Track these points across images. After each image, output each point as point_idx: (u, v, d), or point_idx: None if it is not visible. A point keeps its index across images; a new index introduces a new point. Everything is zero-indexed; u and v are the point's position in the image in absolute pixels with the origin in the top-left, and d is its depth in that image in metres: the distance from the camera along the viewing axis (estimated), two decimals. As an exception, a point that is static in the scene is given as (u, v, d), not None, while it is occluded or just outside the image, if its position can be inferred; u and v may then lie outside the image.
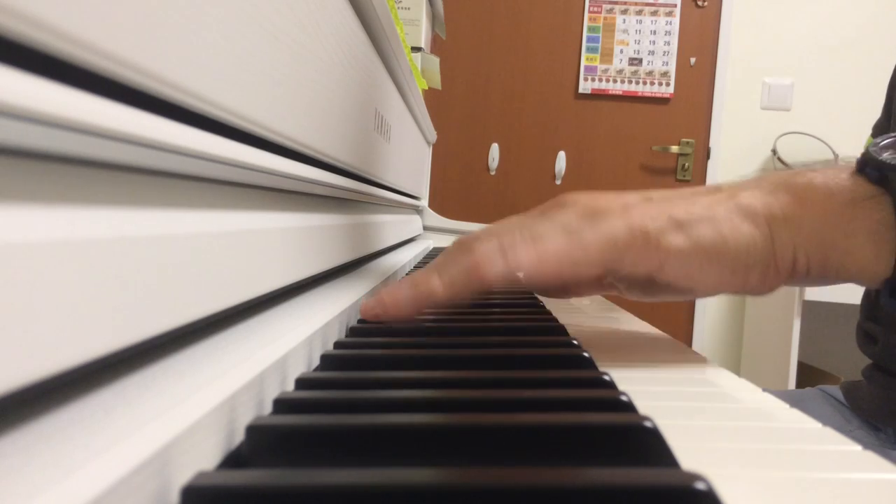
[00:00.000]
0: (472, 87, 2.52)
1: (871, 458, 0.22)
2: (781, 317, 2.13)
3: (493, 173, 2.54)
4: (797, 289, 2.02)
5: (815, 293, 1.99)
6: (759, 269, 0.33)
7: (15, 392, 0.15)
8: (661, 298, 0.38)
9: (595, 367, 0.31)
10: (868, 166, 0.32)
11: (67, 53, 0.16)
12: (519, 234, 0.34)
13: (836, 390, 0.74)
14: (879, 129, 0.79)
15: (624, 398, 0.24)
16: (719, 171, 2.51)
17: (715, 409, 0.29)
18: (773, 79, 2.52)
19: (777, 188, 0.34)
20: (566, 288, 0.41)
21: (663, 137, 2.50)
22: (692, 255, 0.33)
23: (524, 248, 0.33)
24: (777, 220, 0.32)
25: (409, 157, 1.05)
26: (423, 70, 1.37)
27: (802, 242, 0.32)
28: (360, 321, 0.42)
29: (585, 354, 0.32)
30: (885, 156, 0.32)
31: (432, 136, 1.51)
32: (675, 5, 2.47)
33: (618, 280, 0.38)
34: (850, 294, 1.78)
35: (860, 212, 0.32)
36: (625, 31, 2.48)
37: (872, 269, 0.32)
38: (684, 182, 2.50)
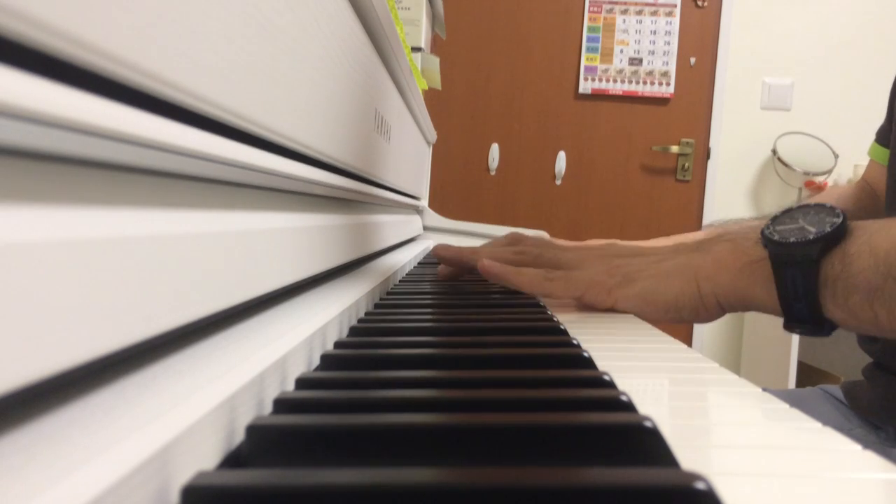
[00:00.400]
0: (472, 87, 2.52)
1: (871, 458, 0.22)
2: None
3: (493, 173, 2.54)
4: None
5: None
6: (689, 309, 0.48)
7: (15, 392, 0.15)
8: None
9: (595, 367, 0.31)
10: (762, 235, 0.45)
11: (67, 53, 0.16)
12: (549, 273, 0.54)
13: (836, 390, 0.74)
14: (882, 134, 0.80)
15: (624, 398, 0.24)
16: (719, 171, 2.51)
17: (715, 409, 0.29)
18: (773, 79, 2.52)
19: (706, 251, 0.48)
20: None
21: (663, 137, 2.50)
22: (633, 299, 0.50)
23: (555, 283, 0.53)
24: (701, 277, 0.48)
25: (409, 157, 1.05)
26: (423, 70, 1.37)
27: (720, 292, 0.47)
28: (360, 320, 0.42)
29: (585, 354, 0.32)
30: (775, 229, 0.44)
31: (432, 136, 1.51)
32: (675, 5, 2.47)
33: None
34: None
35: (757, 269, 0.45)
36: (625, 31, 2.48)
37: (771, 309, 0.45)
38: (684, 182, 2.50)
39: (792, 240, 0.42)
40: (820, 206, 0.44)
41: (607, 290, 0.51)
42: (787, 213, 0.45)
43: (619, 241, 0.59)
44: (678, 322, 0.50)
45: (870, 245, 0.41)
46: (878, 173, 0.82)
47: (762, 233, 0.44)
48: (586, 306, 0.53)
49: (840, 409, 0.72)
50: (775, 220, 0.45)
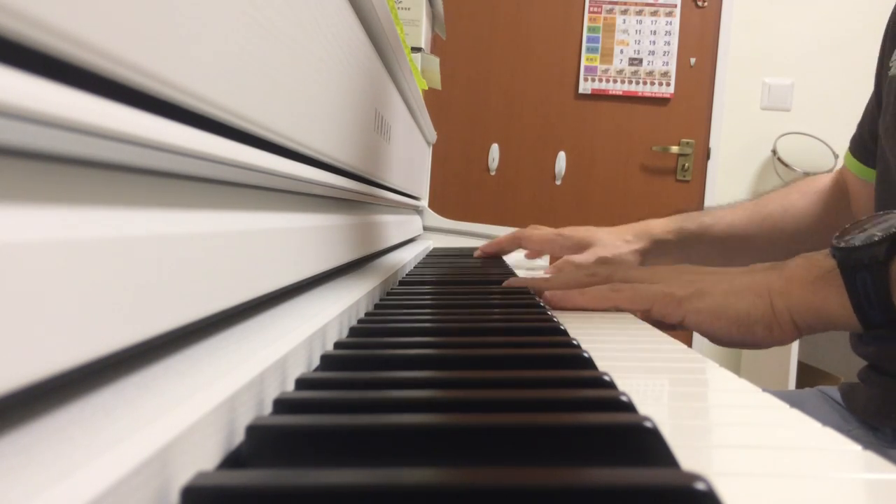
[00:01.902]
0: (472, 87, 2.52)
1: (871, 458, 0.22)
2: (781, 317, 2.13)
3: (493, 173, 2.54)
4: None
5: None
6: (761, 325, 0.47)
7: (15, 392, 0.15)
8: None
9: (595, 367, 0.31)
10: (831, 246, 0.45)
11: (67, 53, 0.16)
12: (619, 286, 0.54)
13: (834, 391, 0.74)
14: (856, 145, 0.81)
15: (624, 398, 0.24)
16: (719, 171, 2.51)
17: (715, 410, 0.29)
18: (773, 79, 2.52)
19: (780, 269, 0.48)
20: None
21: (663, 137, 2.50)
22: (703, 313, 0.48)
23: (621, 293, 0.53)
24: (774, 293, 0.47)
25: (409, 158, 1.05)
26: (423, 70, 1.37)
27: (794, 308, 0.46)
28: (360, 320, 0.42)
29: (585, 354, 0.32)
30: (844, 238, 0.45)
31: (432, 136, 1.51)
32: (675, 5, 2.47)
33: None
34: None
35: (828, 280, 0.45)
36: (625, 31, 2.48)
37: (848, 321, 0.44)
38: (684, 182, 2.50)
39: (858, 244, 0.42)
40: (889, 213, 0.44)
41: (677, 302, 0.49)
42: (857, 224, 0.45)
43: (687, 266, 0.58)
44: (751, 342, 0.48)
45: None
46: (850, 176, 0.83)
47: (831, 243, 0.45)
48: (653, 320, 0.51)
49: (838, 411, 0.72)
50: (845, 231, 0.45)
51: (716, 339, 0.49)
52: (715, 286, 0.49)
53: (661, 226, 0.87)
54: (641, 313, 0.52)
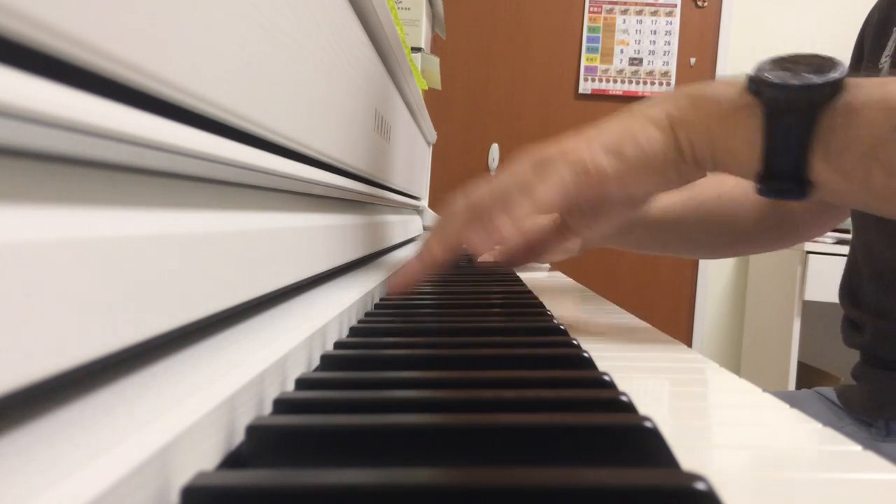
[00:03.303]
0: (472, 87, 2.52)
1: (871, 458, 0.22)
2: (781, 317, 2.13)
3: (492, 173, 2.54)
4: (797, 289, 2.02)
5: (815, 293, 1.99)
6: (673, 164, 0.41)
7: (15, 392, 0.15)
8: (607, 219, 0.47)
9: (595, 367, 0.31)
10: (751, 80, 0.39)
11: (67, 53, 0.16)
12: (493, 205, 0.41)
13: (830, 392, 0.75)
14: None
15: (624, 398, 0.24)
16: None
17: (715, 410, 0.29)
18: (773, 79, 2.51)
19: (679, 97, 0.41)
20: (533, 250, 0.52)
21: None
22: (626, 172, 0.41)
23: (501, 221, 0.41)
24: (675, 121, 0.40)
25: (408, 158, 1.05)
26: (423, 70, 1.37)
27: (696, 138, 0.40)
28: (360, 320, 0.42)
29: (585, 354, 0.32)
30: (766, 74, 0.38)
31: (432, 136, 1.51)
32: (675, 5, 2.47)
33: (572, 216, 0.48)
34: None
35: (739, 118, 0.39)
36: (625, 31, 2.48)
37: (748, 166, 0.39)
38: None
39: (795, 83, 0.37)
40: (814, 55, 0.39)
41: (598, 174, 0.41)
42: (775, 59, 0.39)
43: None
44: (666, 190, 0.43)
45: (883, 95, 0.36)
46: None
47: (751, 78, 0.39)
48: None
49: (833, 410, 0.73)
50: (759, 66, 0.39)
51: (636, 198, 0.44)
52: (620, 134, 0.42)
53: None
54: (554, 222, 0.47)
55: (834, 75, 0.37)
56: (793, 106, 0.37)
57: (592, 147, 0.41)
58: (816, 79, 0.37)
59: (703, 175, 0.42)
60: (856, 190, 0.38)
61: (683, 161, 0.41)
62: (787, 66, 0.38)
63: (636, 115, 0.42)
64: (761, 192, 0.39)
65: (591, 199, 0.44)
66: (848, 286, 0.72)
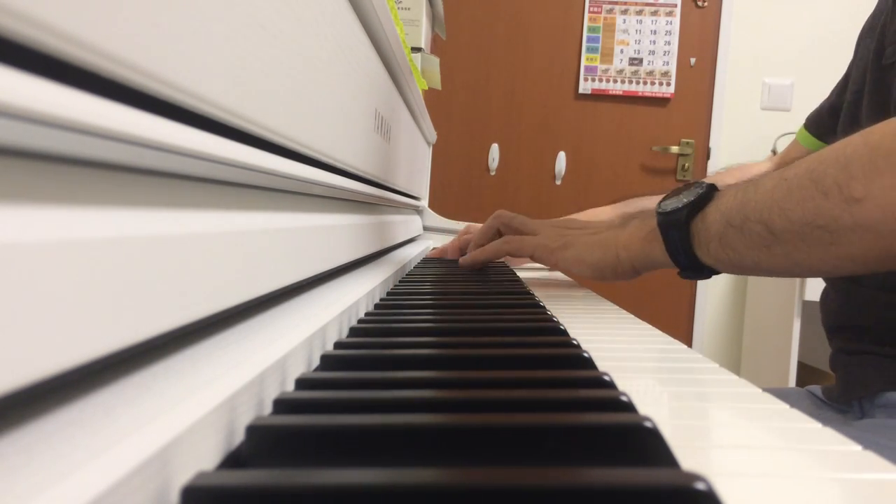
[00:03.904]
0: (472, 87, 2.52)
1: (872, 458, 0.22)
2: (781, 317, 2.13)
3: (493, 173, 2.54)
4: (797, 289, 2.02)
5: (816, 293, 1.99)
6: (609, 270, 0.64)
7: (15, 392, 0.15)
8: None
9: (595, 367, 0.31)
10: (656, 211, 0.59)
11: (67, 53, 0.16)
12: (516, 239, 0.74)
13: (817, 388, 0.81)
14: (812, 122, 0.92)
15: (624, 398, 0.24)
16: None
17: (715, 410, 0.29)
18: (773, 79, 2.52)
19: (625, 227, 0.64)
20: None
21: (663, 137, 2.50)
22: (569, 261, 0.66)
23: (510, 245, 0.73)
24: (619, 246, 0.63)
25: (409, 158, 1.05)
26: (423, 70, 1.37)
27: (633, 257, 0.62)
28: (360, 320, 0.42)
29: (585, 354, 0.32)
30: (663, 203, 0.58)
31: (432, 136, 1.51)
32: (675, 5, 2.47)
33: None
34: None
35: (653, 235, 0.59)
36: (625, 31, 2.48)
37: (666, 265, 0.59)
38: (684, 182, 2.50)
39: (669, 209, 0.57)
40: (697, 183, 0.57)
41: (550, 251, 0.67)
42: (675, 191, 0.59)
43: (574, 217, 0.80)
44: (604, 280, 0.65)
45: (717, 205, 0.54)
46: (802, 151, 0.91)
47: (656, 207, 0.59)
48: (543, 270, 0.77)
49: (816, 403, 0.78)
50: (666, 197, 0.59)
51: (580, 276, 0.67)
52: (577, 240, 0.66)
53: (607, 213, 0.97)
54: (528, 257, 0.70)
55: (694, 196, 0.56)
56: (670, 225, 0.56)
57: (559, 240, 0.67)
58: (683, 203, 0.56)
59: (637, 275, 0.64)
60: (729, 265, 0.54)
61: (620, 267, 0.63)
62: (675, 194, 0.58)
63: (602, 235, 0.65)
64: (683, 277, 0.59)
65: (545, 264, 0.70)
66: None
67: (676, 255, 0.57)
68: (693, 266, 0.57)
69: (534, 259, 0.69)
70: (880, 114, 0.69)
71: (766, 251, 0.51)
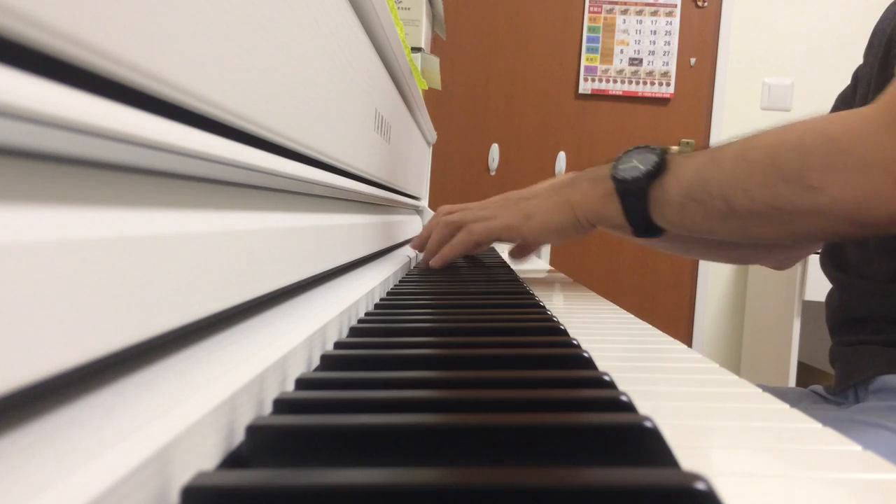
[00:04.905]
0: (472, 87, 2.52)
1: (872, 458, 0.22)
2: (781, 316, 2.13)
3: (493, 173, 2.54)
4: (797, 289, 2.03)
5: (816, 293, 1.99)
6: (570, 230, 0.67)
7: (15, 392, 0.15)
8: (532, 247, 0.82)
9: (595, 367, 0.31)
10: (611, 175, 0.62)
11: (67, 53, 0.16)
12: (472, 219, 0.74)
13: (819, 388, 0.81)
14: (843, 98, 0.87)
15: (624, 398, 0.24)
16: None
17: (715, 410, 0.29)
18: (773, 79, 2.52)
19: (578, 185, 0.66)
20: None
21: (663, 138, 2.50)
22: (534, 231, 0.68)
23: (477, 235, 0.73)
24: (575, 206, 0.65)
25: (409, 158, 1.05)
26: (423, 70, 1.37)
27: (589, 216, 0.65)
28: (360, 320, 0.42)
29: (585, 354, 0.32)
30: (618, 167, 0.61)
31: (432, 136, 1.51)
32: (675, 5, 2.47)
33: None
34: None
35: (609, 199, 0.62)
36: (625, 31, 2.48)
37: (622, 225, 0.63)
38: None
39: (629, 176, 0.60)
40: (647, 147, 0.61)
41: (516, 229, 0.70)
42: (626, 154, 0.62)
43: (510, 192, 0.80)
44: (569, 240, 0.69)
45: (677, 176, 0.58)
46: None
47: (609, 171, 0.62)
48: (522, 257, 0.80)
49: (814, 399, 0.78)
50: (618, 160, 0.62)
51: (548, 242, 0.71)
52: (536, 209, 0.69)
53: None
54: (494, 240, 0.72)
55: (653, 164, 0.59)
56: (630, 190, 0.60)
57: (519, 213, 0.70)
58: (641, 170, 0.59)
59: (594, 230, 0.67)
60: (684, 230, 0.59)
61: (580, 226, 0.66)
62: (627, 159, 0.61)
63: (554, 198, 0.68)
64: (636, 237, 0.63)
65: (511, 240, 0.76)
66: (830, 250, 0.81)
67: (633, 218, 0.61)
68: (647, 228, 0.61)
69: (501, 240, 0.72)
70: None
71: (722, 222, 0.56)
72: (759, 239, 0.56)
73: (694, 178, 0.57)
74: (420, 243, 0.81)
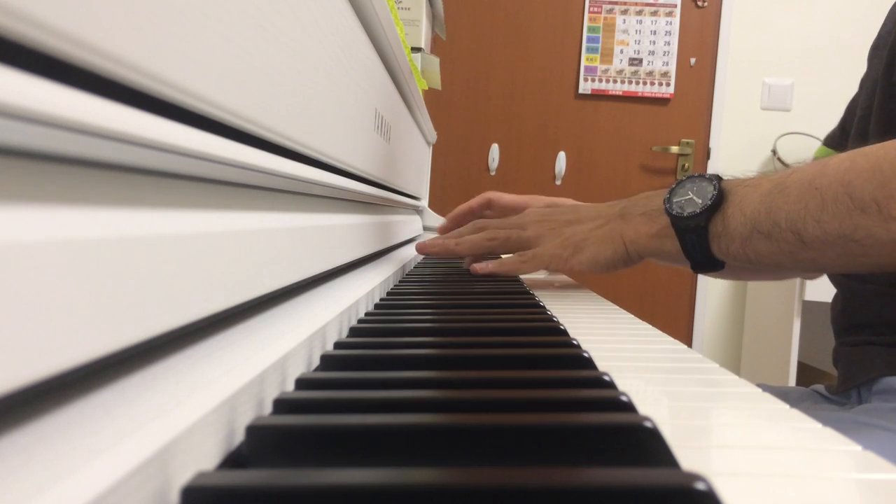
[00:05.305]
0: (472, 87, 2.52)
1: (871, 458, 0.22)
2: (781, 316, 2.13)
3: (493, 173, 2.54)
4: (797, 289, 2.02)
5: (816, 294, 1.99)
6: (622, 263, 0.65)
7: (15, 392, 0.15)
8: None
9: (595, 367, 0.31)
10: (665, 210, 0.60)
11: (67, 53, 0.16)
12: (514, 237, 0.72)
13: (821, 388, 0.81)
14: (831, 141, 0.86)
15: (624, 398, 0.24)
16: (719, 171, 2.51)
17: (715, 410, 0.29)
18: (773, 79, 2.52)
19: (628, 220, 0.64)
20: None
21: (663, 138, 2.50)
22: (583, 265, 0.66)
23: (527, 264, 0.70)
24: (627, 241, 0.64)
25: (409, 158, 1.05)
26: (423, 70, 1.37)
27: (642, 251, 0.63)
28: (360, 320, 0.42)
29: (585, 354, 0.32)
30: (673, 201, 0.59)
31: (432, 136, 1.51)
32: (675, 5, 2.47)
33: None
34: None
35: (665, 233, 0.60)
36: (625, 31, 2.48)
37: (679, 258, 0.60)
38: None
39: (686, 213, 0.57)
40: (701, 177, 0.58)
41: (564, 261, 0.67)
42: (680, 184, 0.60)
43: (558, 203, 0.80)
44: (615, 272, 0.67)
45: (741, 208, 0.55)
46: None
47: (664, 206, 0.60)
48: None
49: (815, 399, 0.78)
50: (672, 193, 0.60)
51: (594, 273, 0.68)
52: (585, 241, 0.66)
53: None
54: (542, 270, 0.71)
55: (710, 197, 0.56)
56: (688, 227, 0.57)
57: (568, 245, 0.67)
58: (699, 205, 0.57)
59: (642, 261, 0.65)
60: (747, 263, 0.56)
61: (630, 260, 0.65)
62: (682, 191, 0.59)
63: (605, 229, 0.66)
64: (696, 271, 0.60)
65: (558, 271, 0.74)
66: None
67: (693, 255, 0.58)
68: (707, 262, 0.58)
69: (548, 269, 0.70)
70: (888, 130, 0.69)
71: (792, 256, 0.52)
72: (828, 270, 0.54)
73: (759, 208, 0.54)
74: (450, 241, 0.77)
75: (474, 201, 0.96)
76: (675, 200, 0.59)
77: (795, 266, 0.54)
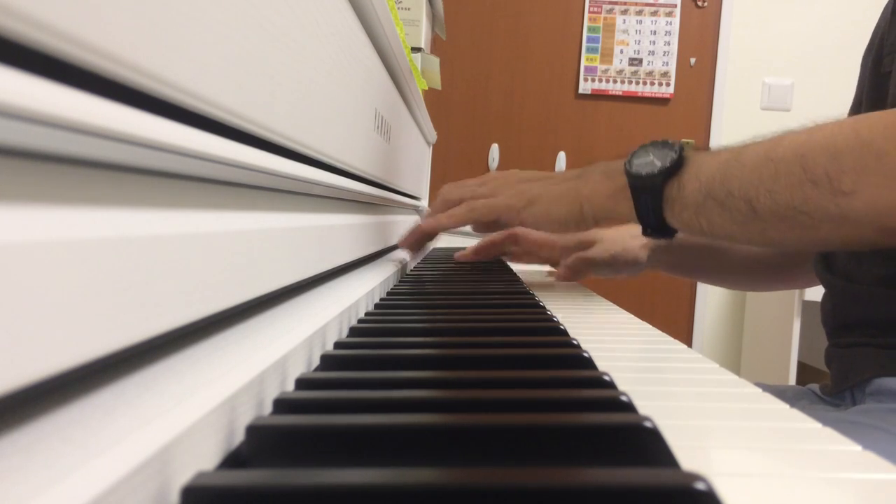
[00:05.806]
0: (472, 87, 2.52)
1: (871, 458, 0.22)
2: (781, 316, 2.13)
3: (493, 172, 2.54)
4: (797, 289, 2.02)
5: (815, 293, 1.99)
6: (573, 224, 0.63)
7: (15, 392, 0.15)
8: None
9: (595, 367, 0.31)
10: (625, 170, 0.58)
11: (67, 53, 0.16)
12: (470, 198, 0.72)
13: (815, 387, 0.81)
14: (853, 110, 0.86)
15: (624, 398, 0.24)
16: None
17: (715, 410, 0.29)
18: (773, 79, 2.52)
19: (589, 178, 0.63)
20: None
21: (663, 137, 2.50)
22: (536, 217, 0.65)
23: (476, 211, 0.70)
24: (583, 200, 0.62)
25: (408, 158, 1.05)
26: (423, 70, 1.37)
27: (597, 211, 0.61)
28: (360, 320, 0.42)
29: (585, 354, 0.32)
30: (633, 162, 0.58)
31: (432, 136, 1.51)
32: (675, 5, 2.47)
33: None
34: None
35: (620, 193, 0.59)
36: (625, 31, 2.48)
37: (631, 222, 0.59)
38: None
39: (644, 172, 0.56)
40: (665, 142, 0.58)
41: (517, 211, 0.66)
42: (642, 148, 0.59)
43: (510, 171, 0.77)
44: (565, 233, 0.68)
45: (697, 174, 0.55)
46: None
47: (624, 165, 0.58)
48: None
49: (811, 399, 0.78)
50: (634, 155, 0.58)
51: (547, 231, 0.68)
52: (541, 195, 0.65)
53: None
54: (494, 220, 0.69)
55: (670, 160, 0.56)
56: (644, 187, 0.56)
57: (523, 197, 0.66)
58: (658, 166, 0.56)
59: (596, 226, 0.64)
60: (699, 232, 0.55)
61: (584, 220, 0.63)
62: (644, 153, 0.58)
63: (562, 187, 0.65)
64: (646, 235, 0.59)
65: (511, 224, 0.70)
66: (823, 254, 0.80)
67: (645, 217, 0.58)
68: (659, 228, 0.58)
69: (500, 220, 0.68)
70: None
71: (742, 225, 0.53)
72: (777, 244, 0.54)
73: (715, 175, 0.54)
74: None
75: (497, 236, 0.93)
76: (635, 161, 0.58)
77: (746, 238, 0.54)
